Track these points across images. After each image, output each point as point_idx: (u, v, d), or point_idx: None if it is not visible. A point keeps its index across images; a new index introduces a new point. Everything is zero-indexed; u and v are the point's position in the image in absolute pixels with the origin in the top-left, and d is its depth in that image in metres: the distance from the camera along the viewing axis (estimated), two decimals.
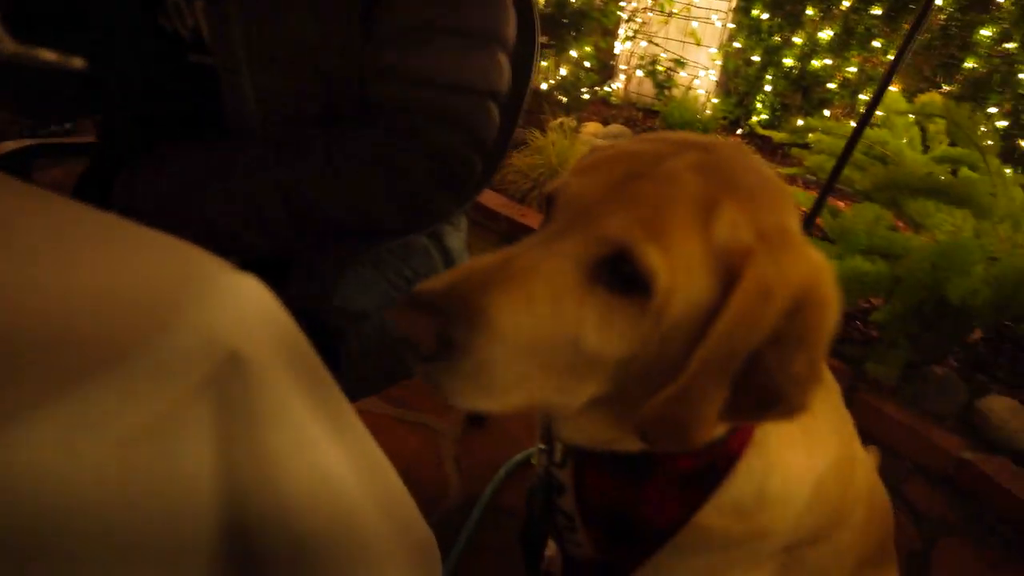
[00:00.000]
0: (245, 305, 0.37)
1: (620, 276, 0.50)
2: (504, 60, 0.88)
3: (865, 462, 0.81)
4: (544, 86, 3.07)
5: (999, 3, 2.23)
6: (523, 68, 1.01)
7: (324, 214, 0.82)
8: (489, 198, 2.57)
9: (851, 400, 1.72)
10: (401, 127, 0.82)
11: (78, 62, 0.97)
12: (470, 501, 1.38)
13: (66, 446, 0.29)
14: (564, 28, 2.94)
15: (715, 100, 3.00)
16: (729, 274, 0.50)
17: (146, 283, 0.35)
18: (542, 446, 0.74)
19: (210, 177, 0.81)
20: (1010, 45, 2.25)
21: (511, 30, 0.89)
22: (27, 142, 1.07)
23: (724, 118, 3.20)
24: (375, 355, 0.92)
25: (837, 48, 2.66)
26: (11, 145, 1.06)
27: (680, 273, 0.49)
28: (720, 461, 0.63)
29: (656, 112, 3.72)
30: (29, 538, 0.28)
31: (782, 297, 0.50)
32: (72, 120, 2.28)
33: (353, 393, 0.93)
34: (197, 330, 0.33)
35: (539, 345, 0.51)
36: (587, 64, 3.07)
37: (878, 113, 2.45)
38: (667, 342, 0.52)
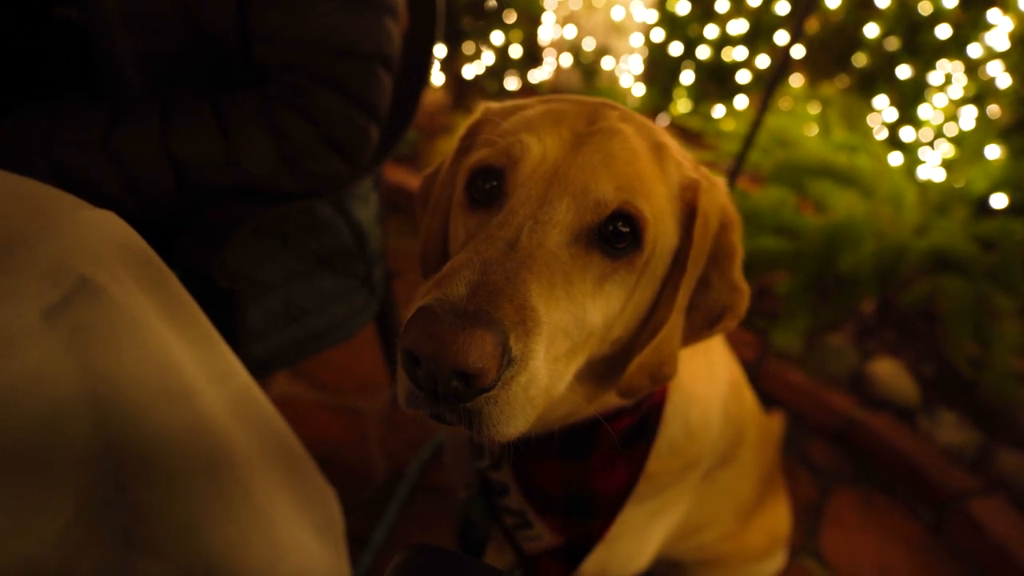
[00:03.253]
0: (97, 236, 0.37)
1: (610, 238, 0.49)
2: (391, 25, 0.87)
3: (746, 384, 0.85)
4: (470, 74, 3.07)
5: (880, 9, 2.43)
6: (423, 38, 1.02)
7: (215, 181, 0.80)
8: (416, 183, 2.55)
9: (760, 370, 1.85)
10: (288, 90, 0.81)
11: None
12: (396, 480, 1.38)
13: None
14: (486, 15, 2.96)
15: (641, 87, 3.11)
16: (684, 209, 0.54)
17: None
18: (477, 456, 0.70)
19: (86, 141, 0.77)
20: (892, 44, 2.47)
21: None
22: None
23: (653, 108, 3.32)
24: (281, 327, 0.91)
25: (748, 41, 2.81)
26: None
27: (659, 220, 0.51)
28: (652, 410, 0.65)
29: None
30: None
31: (715, 220, 0.55)
32: None
33: (263, 366, 0.91)
34: (43, 257, 0.33)
35: (565, 332, 0.46)
36: (514, 53, 3.09)
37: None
38: (644, 291, 0.53)
